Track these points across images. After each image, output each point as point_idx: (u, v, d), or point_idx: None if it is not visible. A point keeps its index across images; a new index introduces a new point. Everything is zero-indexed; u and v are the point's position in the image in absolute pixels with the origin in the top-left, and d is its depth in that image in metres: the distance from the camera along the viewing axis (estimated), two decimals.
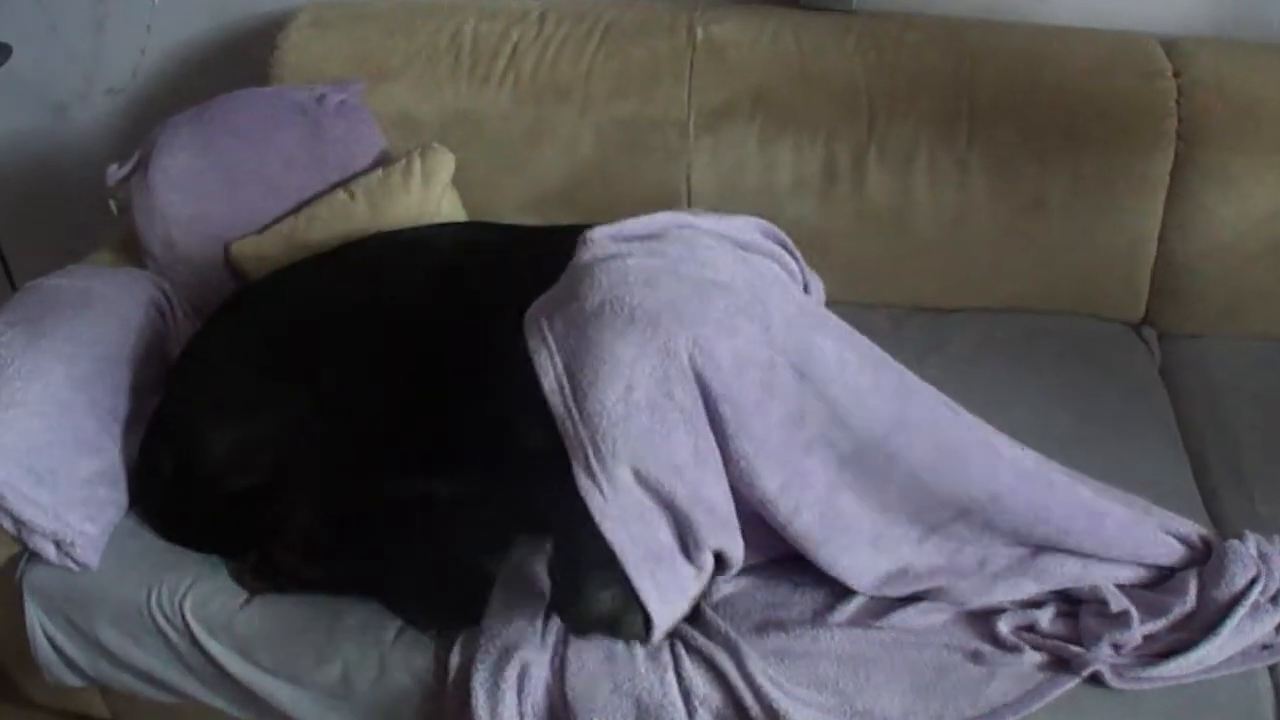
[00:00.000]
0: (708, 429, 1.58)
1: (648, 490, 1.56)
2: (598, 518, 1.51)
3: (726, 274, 1.65)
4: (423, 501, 1.82)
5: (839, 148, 2.31)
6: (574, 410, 1.52)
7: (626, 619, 1.58)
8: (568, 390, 1.53)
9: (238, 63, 2.76)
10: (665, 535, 1.59)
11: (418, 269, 1.95)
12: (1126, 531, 1.71)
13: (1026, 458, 1.72)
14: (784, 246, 1.90)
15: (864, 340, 1.71)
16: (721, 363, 1.55)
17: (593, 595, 1.56)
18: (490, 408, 1.76)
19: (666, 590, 1.59)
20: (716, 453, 1.59)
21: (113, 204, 2.27)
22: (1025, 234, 2.34)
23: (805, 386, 1.60)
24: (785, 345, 1.60)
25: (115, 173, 2.24)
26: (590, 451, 1.52)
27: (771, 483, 1.61)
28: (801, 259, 1.94)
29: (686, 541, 1.61)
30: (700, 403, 1.57)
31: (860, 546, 1.68)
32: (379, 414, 1.81)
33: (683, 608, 1.64)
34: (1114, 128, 2.29)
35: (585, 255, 1.67)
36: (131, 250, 2.29)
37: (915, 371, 1.74)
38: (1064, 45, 2.38)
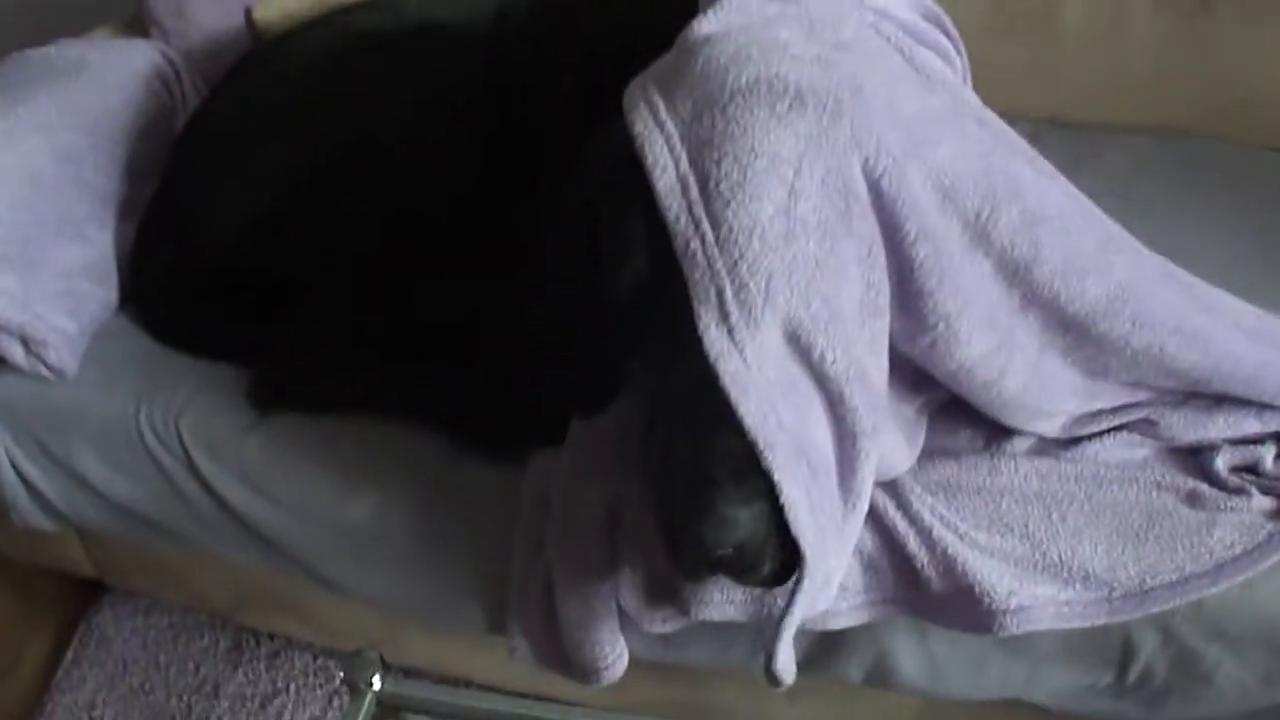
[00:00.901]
0: (884, 277, 1.14)
1: (802, 361, 1.08)
2: (734, 392, 1.01)
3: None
4: (487, 301, 1.53)
5: None
6: (704, 225, 1.04)
7: (766, 551, 1.08)
8: (695, 195, 1.05)
9: None
10: (822, 435, 1.12)
11: (478, 21, 1.65)
12: None
13: (1249, 313, 1.37)
14: (947, 35, 1.48)
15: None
16: (917, 186, 1.13)
17: (725, 516, 1.04)
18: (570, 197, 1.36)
19: (821, 519, 1.08)
20: (885, 315, 1.16)
21: None
22: (1188, 42, 2.07)
23: (1025, 229, 1.20)
24: (995, 168, 1.20)
25: None
26: (729, 289, 1.03)
27: (976, 348, 1.20)
28: (965, 53, 1.53)
29: (843, 448, 1.14)
30: (880, 238, 1.13)
31: (1062, 403, 1.33)
32: (428, 192, 1.52)
33: (838, 565, 1.16)
34: None
35: (716, 20, 1.20)
36: (136, 28, 2.06)
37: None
38: None
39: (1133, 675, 1.37)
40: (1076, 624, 1.27)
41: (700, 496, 1.04)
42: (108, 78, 1.81)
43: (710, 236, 1.03)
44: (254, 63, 1.76)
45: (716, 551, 1.04)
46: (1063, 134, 2.04)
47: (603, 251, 1.14)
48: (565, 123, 1.46)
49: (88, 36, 2.05)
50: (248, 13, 1.98)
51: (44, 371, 1.58)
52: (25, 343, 1.56)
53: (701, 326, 1.02)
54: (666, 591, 1.29)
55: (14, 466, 1.63)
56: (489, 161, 1.52)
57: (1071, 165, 1.72)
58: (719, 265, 1.03)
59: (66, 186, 1.67)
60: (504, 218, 1.51)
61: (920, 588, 1.26)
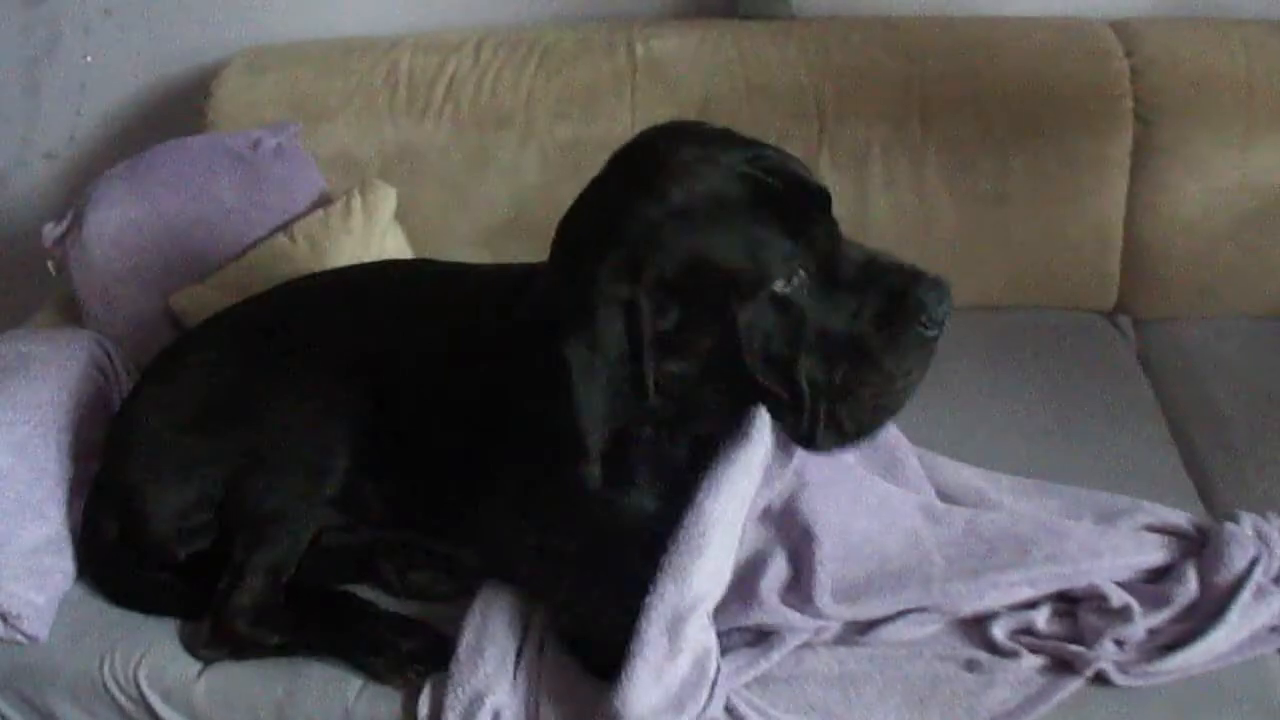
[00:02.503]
0: None
1: None
2: None
3: None
4: (375, 549, 1.82)
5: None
6: None
7: None
8: None
9: (175, 116, 2.77)
10: None
11: (358, 305, 1.90)
12: (1088, 550, 1.66)
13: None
14: None
15: None
16: None
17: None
18: (451, 448, 1.72)
19: None
20: None
21: (50, 264, 2.27)
22: (988, 229, 2.36)
23: None
24: None
25: (51, 231, 2.25)
26: None
27: None
28: None
29: None
30: None
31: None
32: (323, 461, 1.77)
33: None
34: (1070, 113, 2.33)
35: None
36: (72, 310, 2.29)
37: None
38: (1012, 34, 2.41)
39: None
40: None
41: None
42: (50, 370, 1.99)
43: None
44: (171, 357, 1.93)
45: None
46: None
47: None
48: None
49: (28, 323, 2.28)
50: (168, 301, 2.18)
51: (20, 639, 1.76)
52: (3, 617, 1.74)
53: None
54: None
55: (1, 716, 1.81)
56: (386, 419, 1.76)
57: None
58: None
59: (24, 474, 1.84)
60: (401, 471, 1.78)
61: None
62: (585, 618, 1.61)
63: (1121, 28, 2.41)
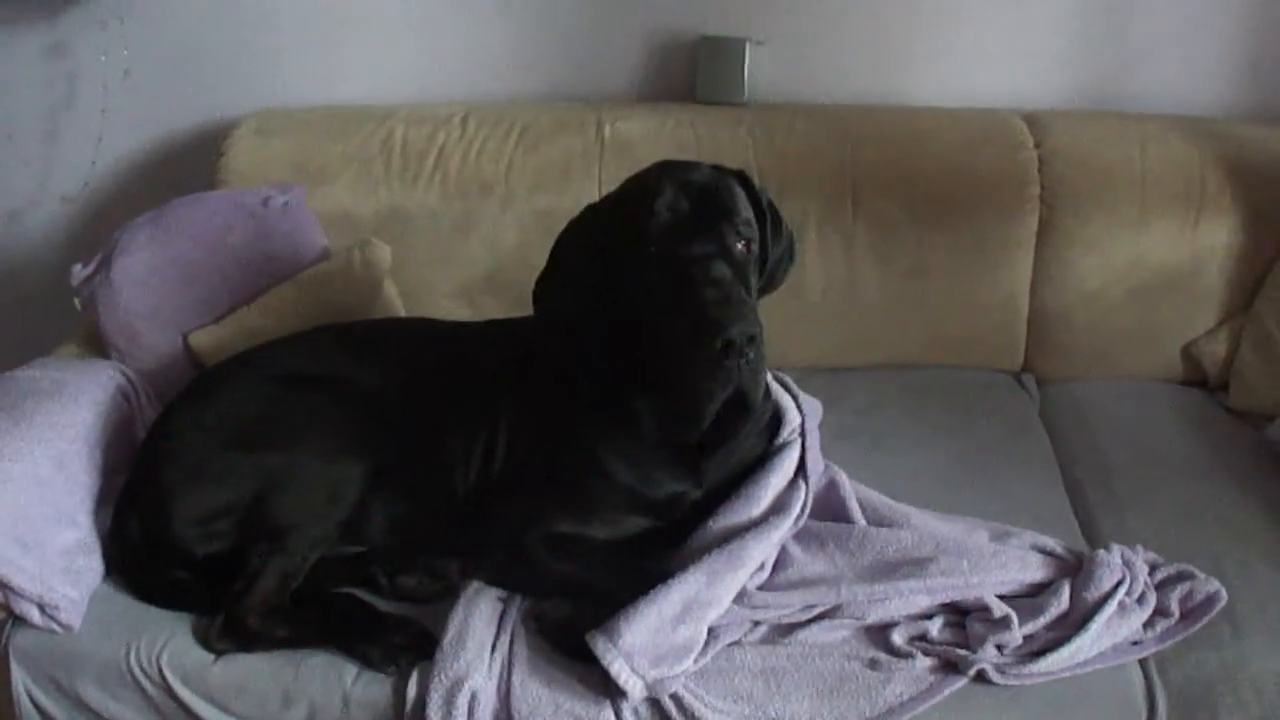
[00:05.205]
0: None
1: None
2: None
3: None
4: (368, 557, 2.04)
5: None
6: None
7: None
8: None
9: (183, 170, 2.97)
10: None
11: (369, 354, 2.13)
12: (978, 568, 1.90)
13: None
14: None
15: None
16: None
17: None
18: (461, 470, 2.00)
19: None
20: None
21: (77, 301, 2.41)
22: (909, 297, 2.58)
23: None
24: None
25: (79, 272, 2.40)
26: None
27: None
28: None
29: None
30: None
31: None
32: (340, 489, 1.99)
33: None
34: (984, 197, 2.56)
35: None
36: (96, 343, 2.43)
37: None
38: (937, 125, 2.64)
39: None
40: None
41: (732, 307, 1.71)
42: (83, 395, 2.16)
43: None
44: (200, 386, 2.13)
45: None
46: (821, 378, 2.47)
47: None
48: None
49: (57, 354, 2.41)
50: (185, 340, 2.37)
51: (55, 627, 1.92)
52: (41, 607, 1.90)
53: None
54: None
55: (31, 699, 1.96)
56: (389, 449, 2.01)
57: (826, 408, 2.18)
58: None
59: (61, 484, 2.00)
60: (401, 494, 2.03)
61: None
62: (584, 596, 1.88)
63: (1033, 120, 2.64)
